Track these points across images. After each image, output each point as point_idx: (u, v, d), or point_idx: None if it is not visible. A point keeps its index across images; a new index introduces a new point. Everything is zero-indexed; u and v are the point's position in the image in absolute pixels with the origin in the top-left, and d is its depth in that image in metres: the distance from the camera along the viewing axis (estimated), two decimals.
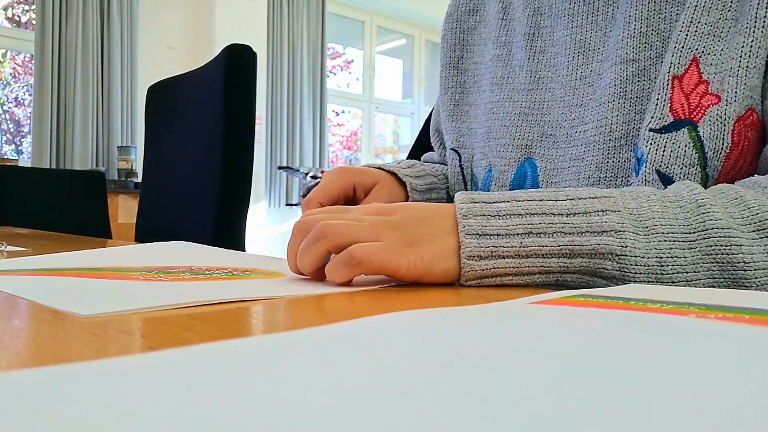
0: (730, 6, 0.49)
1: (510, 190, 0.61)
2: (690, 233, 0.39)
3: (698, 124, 0.49)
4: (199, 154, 1.19)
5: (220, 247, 0.70)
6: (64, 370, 0.16)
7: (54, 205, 1.74)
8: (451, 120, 0.72)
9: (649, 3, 0.53)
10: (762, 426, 0.12)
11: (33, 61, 3.47)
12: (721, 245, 0.38)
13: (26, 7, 3.73)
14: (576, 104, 0.58)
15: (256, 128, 1.49)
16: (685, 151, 0.49)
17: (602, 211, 0.40)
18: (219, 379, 0.15)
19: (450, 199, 0.73)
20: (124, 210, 3.22)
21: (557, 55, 0.61)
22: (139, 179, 2.91)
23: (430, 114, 1.03)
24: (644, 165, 0.50)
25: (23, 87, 3.79)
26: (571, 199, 0.41)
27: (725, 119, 0.48)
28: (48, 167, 3.34)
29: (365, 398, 0.14)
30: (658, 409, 0.13)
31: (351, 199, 0.61)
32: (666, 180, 0.50)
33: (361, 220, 0.41)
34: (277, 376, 0.16)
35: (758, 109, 0.49)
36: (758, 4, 0.47)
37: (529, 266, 0.39)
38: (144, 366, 0.17)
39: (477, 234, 0.39)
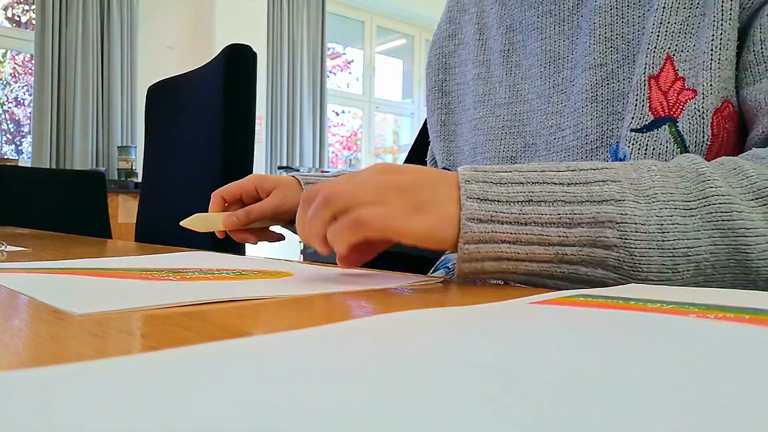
0: (697, 3, 0.50)
1: None
2: (691, 201, 0.39)
3: (678, 120, 0.50)
4: (199, 155, 1.19)
5: (220, 247, 0.70)
6: (63, 370, 0.16)
7: (54, 205, 1.74)
8: (440, 140, 0.74)
9: (611, 9, 0.55)
10: (762, 426, 0.12)
11: (33, 61, 3.47)
12: (722, 212, 0.38)
13: (26, 7, 3.73)
14: (552, 112, 0.60)
15: (256, 128, 1.49)
16: (667, 147, 0.50)
17: (602, 181, 0.40)
18: (219, 379, 0.15)
19: None
20: (124, 210, 3.22)
21: (531, 67, 0.63)
22: (139, 179, 2.91)
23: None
24: None
25: (23, 87, 3.79)
26: (572, 170, 0.41)
27: (703, 112, 0.49)
28: (48, 167, 3.34)
29: (365, 398, 0.14)
30: (658, 409, 0.13)
31: (255, 198, 0.69)
32: None
33: (368, 181, 0.41)
34: (277, 377, 0.16)
35: (733, 100, 0.50)
36: None
37: (527, 234, 0.39)
38: (144, 366, 0.17)
39: (478, 198, 0.40)
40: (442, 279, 0.43)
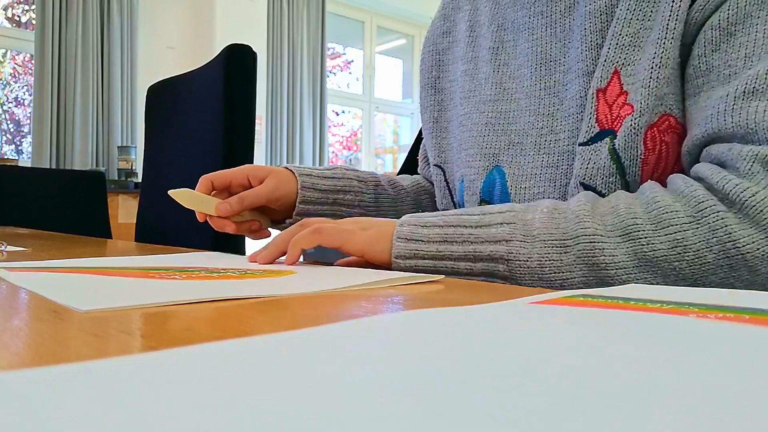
0: (649, 16, 0.51)
1: (481, 198, 0.65)
2: (566, 240, 0.45)
3: (617, 134, 0.51)
4: (199, 155, 1.19)
5: (220, 247, 0.70)
6: (63, 370, 0.16)
7: (54, 205, 1.74)
8: (432, 137, 0.75)
9: (601, 15, 0.55)
10: (762, 426, 0.12)
11: (33, 61, 3.46)
12: (587, 249, 0.44)
13: (26, 7, 3.73)
14: (543, 113, 0.60)
15: (256, 128, 1.49)
16: (605, 162, 0.52)
17: (500, 223, 0.47)
18: (219, 379, 0.15)
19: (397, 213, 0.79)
20: (124, 210, 3.21)
21: (520, 66, 0.63)
22: (139, 179, 2.91)
23: None
24: (572, 179, 0.54)
25: (23, 87, 3.79)
26: (482, 214, 0.49)
27: (638, 129, 0.51)
28: (48, 167, 3.33)
29: (365, 398, 0.14)
30: (658, 408, 0.13)
31: (245, 187, 0.67)
32: (590, 191, 0.52)
33: (338, 221, 0.54)
34: (276, 377, 0.16)
35: (675, 113, 0.51)
36: (669, 15, 0.49)
37: (443, 267, 0.48)
38: (144, 366, 0.17)
39: (405, 238, 0.50)
40: (442, 279, 0.44)
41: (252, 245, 0.72)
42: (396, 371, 0.16)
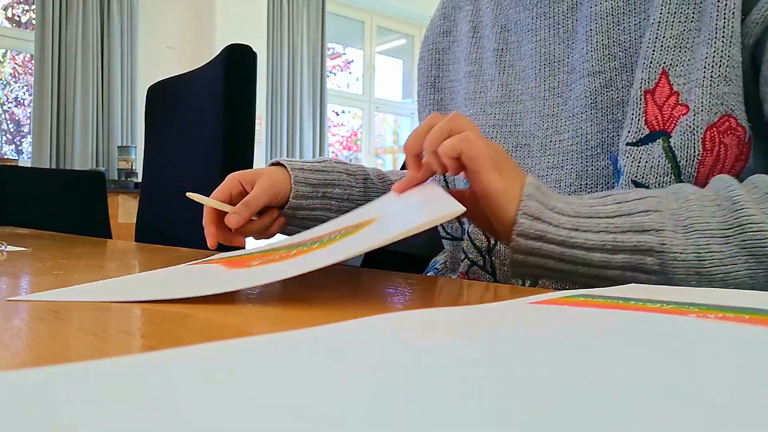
0: (693, 17, 0.50)
1: None
2: (726, 229, 0.41)
3: (671, 135, 0.50)
4: (199, 155, 1.19)
5: (221, 246, 0.70)
6: (63, 370, 0.16)
7: (54, 205, 1.74)
8: None
9: (607, 17, 0.55)
10: (762, 426, 0.12)
11: (33, 61, 3.46)
12: (756, 239, 0.40)
13: (26, 7, 3.73)
14: (548, 115, 0.60)
15: (256, 128, 1.49)
16: (659, 161, 0.50)
17: (644, 211, 0.42)
18: (218, 379, 0.15)
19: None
20: (124, 210, 3.22)
21: (525, 68, 0.63)
22: (139, 179, 2.91)
23: None
24: (622, 176, 0.52)
25: (23, 87, 3.79)
26: (617, 203, 0.44)
27: (695, 128, 0.49)
28: (48, 167, 3.33)
29: (364, 398, 0.14)
30: (658, 409, 0.13)
31: (243, 192, 0.65)
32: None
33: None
34: (276, 376, 0.16)
35: (737, 114, 0.49)
36: (716, 15, 0.49)
37: (572, 256, 0.43)
38: (144, 366, 0.17)
39: (532, 216, 0.43)
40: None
41: (251, 245, 0.72)
42: (395, 371, 0.16)
